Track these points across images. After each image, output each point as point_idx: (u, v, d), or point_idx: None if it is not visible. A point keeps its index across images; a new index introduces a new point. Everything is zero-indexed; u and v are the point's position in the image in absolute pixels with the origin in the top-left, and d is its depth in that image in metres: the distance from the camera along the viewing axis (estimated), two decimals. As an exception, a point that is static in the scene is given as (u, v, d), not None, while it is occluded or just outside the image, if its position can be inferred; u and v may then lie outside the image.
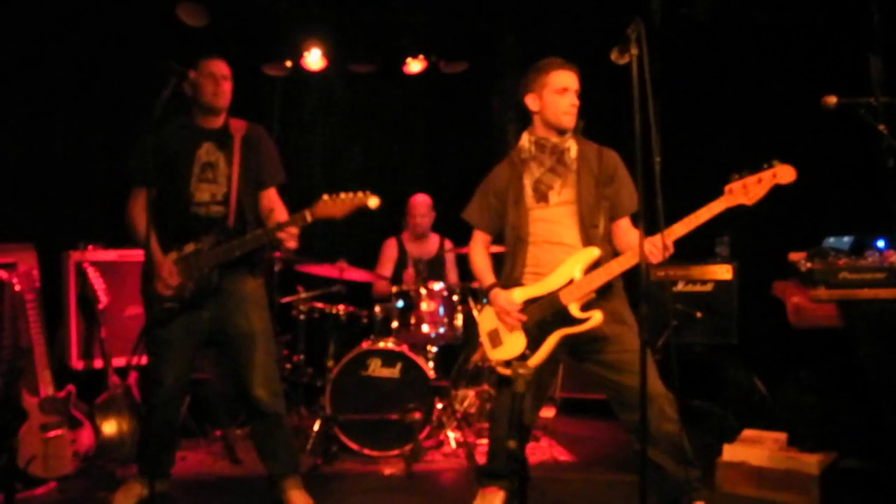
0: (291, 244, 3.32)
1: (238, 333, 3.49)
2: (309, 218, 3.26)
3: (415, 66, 6.05)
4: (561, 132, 3.27)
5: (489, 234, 3.47)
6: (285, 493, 3.50)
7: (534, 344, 3.17)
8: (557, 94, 3.21)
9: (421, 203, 5.48)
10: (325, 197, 3.22)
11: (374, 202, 3.20)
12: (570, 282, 3.12)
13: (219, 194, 3.48)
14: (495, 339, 3.30)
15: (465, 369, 5.04)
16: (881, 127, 3.00)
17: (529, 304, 3.21)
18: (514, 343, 3.23)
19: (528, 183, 3.30)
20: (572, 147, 3.28)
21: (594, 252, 3.13)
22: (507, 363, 3.20)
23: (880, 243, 3.74)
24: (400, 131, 6.47)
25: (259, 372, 3.48)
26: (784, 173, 2.88)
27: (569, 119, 3.23)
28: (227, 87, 3.51)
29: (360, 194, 3.20)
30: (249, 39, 5.50)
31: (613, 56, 2.62)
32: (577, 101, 3.23)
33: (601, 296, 3.13)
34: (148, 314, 3.53)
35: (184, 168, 3.48)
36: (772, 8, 4.89)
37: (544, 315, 3.16)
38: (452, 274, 5.60)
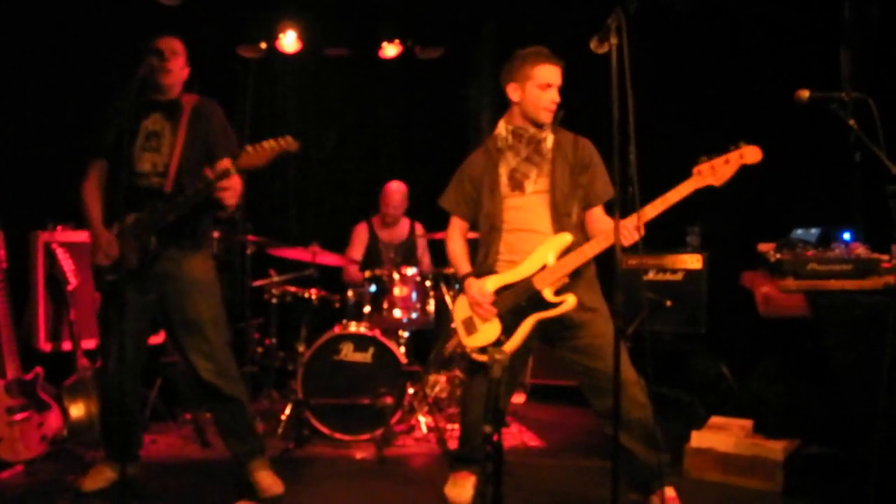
0: (230, 201, 3.31)
1: (182, 320, 3.45)
2: (233, 170, 3.24)
3: (390, 50, 6.02)
4: (538, 126, 3.28)
5: (466, 221, 3.48)
6: (253, 475, 3.50)
7: (508, 330, 3.19)
8: (540, 88, 3.21)
9: (396, 192, 5.46)
10: (249, 148, 3.21)
11: (294, 146, 3.21)
12: (544, 267, 3.14)
13: (160, 164, 3.43)
14: (470, 326, 3.31)
15: (439, 356, 5.07)
16: (851, 122, 3.04)
17: (503, 290, 3.23)
18: (489, 330, 3.24)
19: (503, 172, 3.31)
20: (549, 137, 3.30)
21: (567, 238, 3.16)
22: (483, 350, 3.22)
23: (846, 235, 3.82)
24: (374, 116, 6.44)
25: (206, 360, 3.44)
26: (750, 154, 2.94)
27: (546, 115, 3.24)
28: (174, 64, 3.45)
29: (280, 140, 3.20)
30: (225, 20, 5.44)
31: (593, 45, 2.64)
32: (558, 98, 3.23)
33: (574, 282, 3.17)
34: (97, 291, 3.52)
35: (129, 138, 3.43)
36: (746, 1, 4.94)
37: (518, 301, 3.18)
38: (425, 259, 5.61)
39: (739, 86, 5.02)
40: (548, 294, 3.13)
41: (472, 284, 3.29)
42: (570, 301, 3.10)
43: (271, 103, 6.22)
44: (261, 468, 3.52)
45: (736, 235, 4.74)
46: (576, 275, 3.16)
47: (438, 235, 5.10)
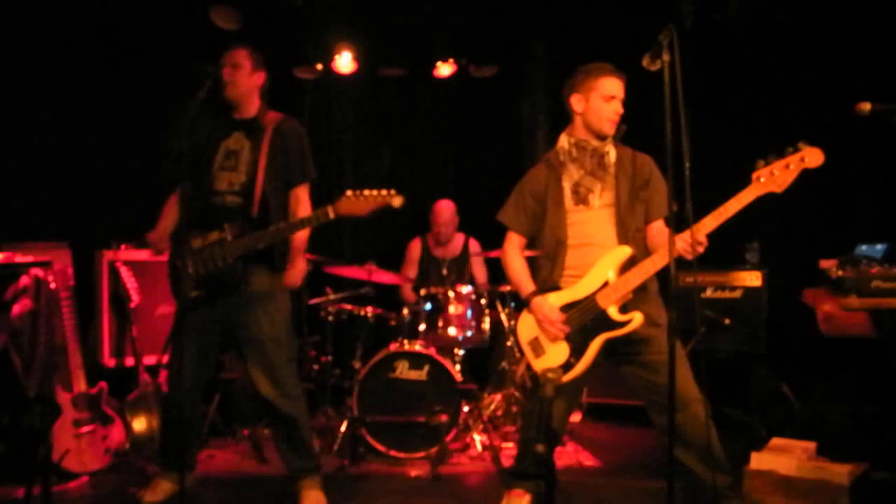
0: (292, 280, 3.43)
1: (245, 336, 3.51)
2: (332, 214, 3.23)
3: (445, 69, 6.06)
4: (601, 138, 3.27)
5: (525, 237, 3.44)
6: (300, 493, 3.52)
7: (577, 351, 3.14)
8: (604, 100, 3.21)
9: (444, 210, 5.49)
10: (349, 193, 3.19)
11: (398, 202, 3.19)
12: (606, 284, 3.11)
13: (237, 183, 3.47)
14: (537, 348, 3.26)
15: (495, 374, 5.06)
16: (917, 135, 2.95)
17: (566, 309, 3.19)
18: (558, 352, 3.19)
19: (567, 185, 3.29)
20: (611, 151, 3.29)
21: (626, 251, 3.13)
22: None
23: (914, 251, 3.70)
24: (429, 135, 6.49)
25: (265, 376, 3.49)
26: (812, 156, 2.82)
27: (610, 126, 3.23)
28: (237, 76, 3.50)
29: (384, 192, 3.18)
30: (281, 42, 5.55)
31: (645, 62, 2.62)
32: (621, 110, 3.23)
33: (637, 297, 3.12)
34: (177, 306, 3.59)
35: (209, 156, 3.51)
36: (805, 12, 4.85)
37: (584, 321, 3.14)
38: (481, 275, 5.59)
39: (799, 99, 4.92)
40: (613, 312, 3.09)
41: (541, 303, 3.23)
42: (637, 319, 3.05)
43: (328, 123, 6.31)
44: (309, 487, 3.53)
45: (796, 252, 4.64)
46: (640, 290, 3.12)
47: (493, 254, 5.11)
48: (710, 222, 2.89)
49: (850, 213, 4.74)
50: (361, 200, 3.19)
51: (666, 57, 2.50)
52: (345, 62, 5.90)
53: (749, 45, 5.09)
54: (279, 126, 3.56)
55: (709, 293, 4.81)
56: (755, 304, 4.70)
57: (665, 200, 3.24)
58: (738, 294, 4.76)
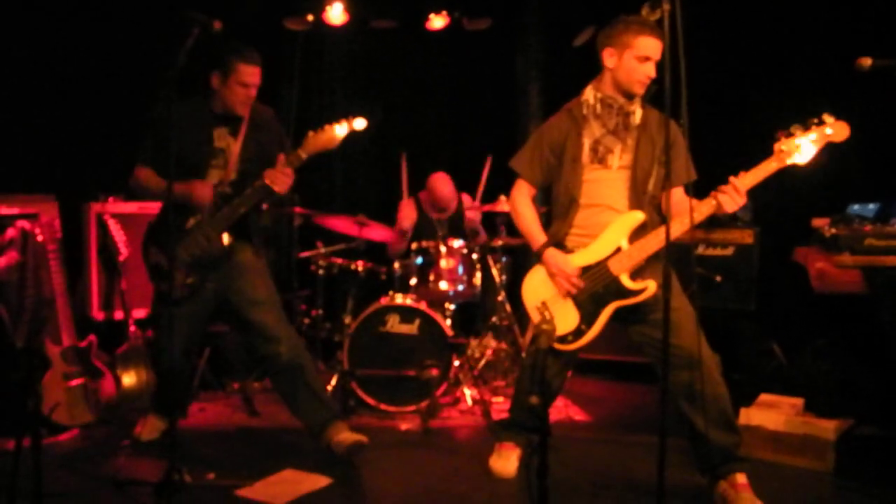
0: (281, 188, 3.37)
1: (243, 300, 3.53)
2: (303, 156, 3.35)
3: (437, 22, 5.96)
4: (629, 97, 3.13)
5: (535, 187, 3.32)
6: (335, 438, 3.50)
7: (588, 319, 3.09)
8: (638, 60, 3.03)
9: (444, 186, 5.40)
10: (311, 133, 3.32)
11: (359, 124, 3.35)
12: (618, 250, 3.06)
13: (226, 182, 3.50)
14: (545, 313, 3.17)
15: (485, 328, 5.07)
16: (917, 92, 2.93)
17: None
18: (568, 318, 3.13)
19: (586, 142, 3.17)
20: (637, 112, 3.15)
21: (638, 216, 3.07)
22: (563, 339, 3.11)
23: (906, 211, 3.69)
24: (421, 89, 6.41)
25: (274, 331, 3.52)
26: (838, 130, 2.86)
27: (640, 87, 3.08)
28: (254, 94, 3.51)
29: (343, 122, 3.33)
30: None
31: (644, 12, 2.57)
32: (654, 73, 3.05)
33: (648, 262, 3.06)
34: (155, 282, 3.60)
35: (196, 156, 3.49)
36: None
37: (596, 287, 3.08)
38: (480, 229, 5.57)
39: (795, 53, 4.87)
40: (626, 280, 3.04)
41: (556, 255, 3.14)
42: (651, 288, 3.00)
43: (318, 75, 6.22)
44: (339, 430, 3.53)
45: (788, 210, 4.63)
46: (652, 256, 3.05)
47: (486, 208, 5.08)
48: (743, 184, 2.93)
49: (842, 172, 4.72)
50: (322, 135, 3.33)
51: (666, 6, 2.44)
52: (336, 13, 5.78)
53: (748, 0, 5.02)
54: (254, 116, 3.57)
55: (701, 250, 4.80)
56: (747, 261, 4.69)
57: (687, 168, 3.13)
58: (729, 252, 4.75)
